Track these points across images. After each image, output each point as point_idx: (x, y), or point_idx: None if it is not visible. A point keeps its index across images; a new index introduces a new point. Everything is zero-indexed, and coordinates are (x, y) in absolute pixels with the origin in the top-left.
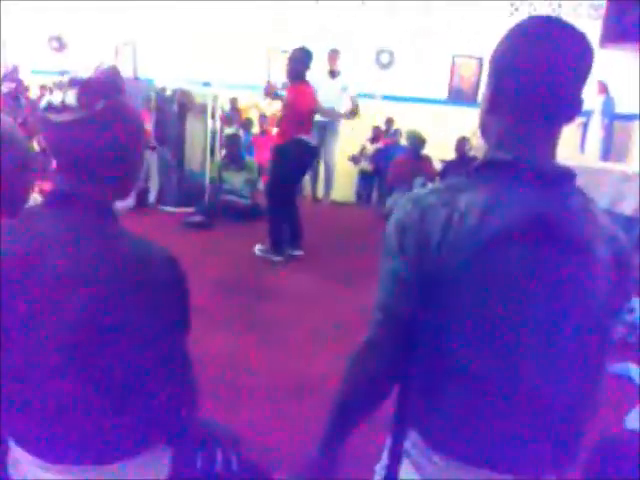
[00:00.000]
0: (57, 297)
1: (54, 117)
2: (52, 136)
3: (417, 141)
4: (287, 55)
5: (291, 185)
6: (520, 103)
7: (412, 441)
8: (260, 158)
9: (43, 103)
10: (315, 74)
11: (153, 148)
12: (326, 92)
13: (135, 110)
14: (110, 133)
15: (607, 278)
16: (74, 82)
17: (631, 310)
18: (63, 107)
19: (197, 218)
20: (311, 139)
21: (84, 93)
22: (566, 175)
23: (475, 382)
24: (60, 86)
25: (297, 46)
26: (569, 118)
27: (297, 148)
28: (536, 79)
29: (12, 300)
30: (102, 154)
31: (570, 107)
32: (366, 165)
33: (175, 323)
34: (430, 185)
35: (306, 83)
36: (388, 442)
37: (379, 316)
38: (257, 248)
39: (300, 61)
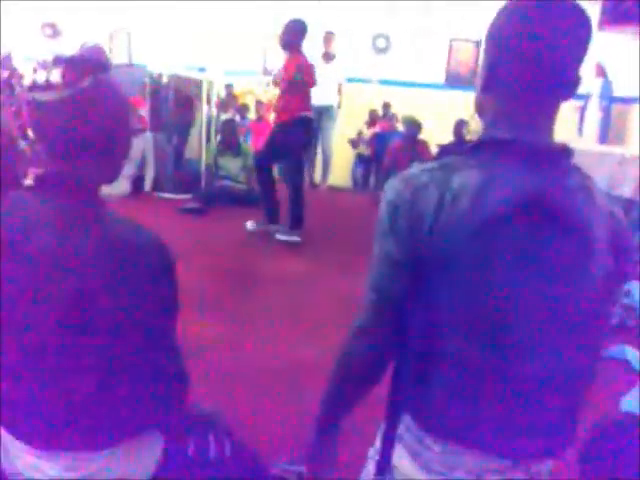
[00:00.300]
0: (43, 282)
1: (38, 96)
2: (37, 116)
3: (414, 126)
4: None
5: (297, 163)
6: (516, 80)
7: (406, 425)
8: (257, 144)
9: (27, 83)
10: (309, 57)
11: (143, 130)
12: (320, 75)
13: (121, 88)
14: (96, 110)
15: (604, 258)
16: (58, 60)
17: (627, 292)
18: (47, 85)
19: (193, 204)
20: (312, 115)
21: (69, 70)
22: (563, 153)
23: (469, 365)
24: (44, 65)
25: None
26: (567, 95)
27: (302, 127)
28: (532, 55)
29: None
30: (88, 132)
31: (568, 84)
32: (364, 149)
33: (164, 307)
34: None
35: (303, 55)
36: (382, 426)
37: (371, 298)
38: (248, 225)
39: (295, 31)
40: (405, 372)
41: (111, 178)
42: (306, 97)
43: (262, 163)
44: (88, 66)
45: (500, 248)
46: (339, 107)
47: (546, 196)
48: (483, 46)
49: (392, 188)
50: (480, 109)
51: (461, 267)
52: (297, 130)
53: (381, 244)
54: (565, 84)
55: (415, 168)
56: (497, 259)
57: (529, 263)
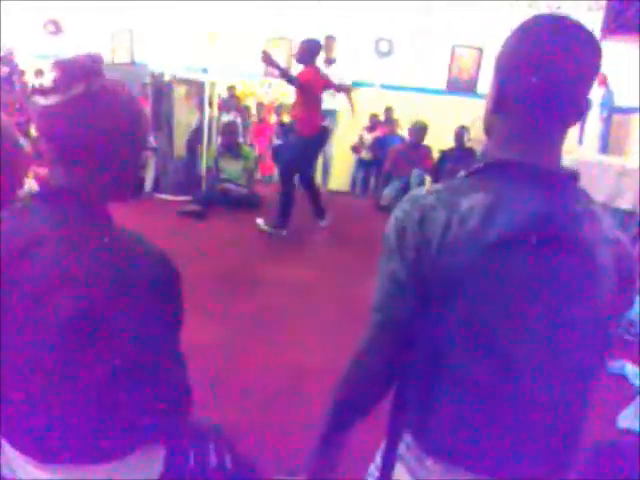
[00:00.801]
0: (45, 295)
1: (39, 100)
2: (38, 120)
3: (421, 131)
4: (285, 42)
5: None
6: (526, 104)
7: (406, 444)
8: (258, 146)
9: (31, 86)
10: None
11: (154, 150)
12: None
13: (121, 98)
14: (87, 119)
15: (608, 283)
16: (56, 64)
17: None
18: (43, 90)
19: (193, 207)
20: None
21: (60, 75)
22: (570, 177)
23: (471, 387)
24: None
25: (300, 34)
26: (575, 119)
27: (323, 138)
28: (542, 80)
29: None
30: (85, 140)
31: (577, 108)
32: (366, 153)
33: (167, 321)
34: (428, 178)
35: (316, 67)
36: (383, 444)
37: (377, 317)
38: (259, 222)
39: (310, 49)
40: (408, 392)
41: (120, 193)
42: (320, 107)
43: (290, 175)
44: (79, 73)
45: (506, 271)
46: (352, 110)
47: (553, 221)
48: (493, 68)
49: (400, 208)
50: (488, 130)
51: (466, 289)
52: (320, 142)
53: (387, 263)
54: (574, 107)
55: (423, 190)
56: (503, 282)
57: (534, 287)
